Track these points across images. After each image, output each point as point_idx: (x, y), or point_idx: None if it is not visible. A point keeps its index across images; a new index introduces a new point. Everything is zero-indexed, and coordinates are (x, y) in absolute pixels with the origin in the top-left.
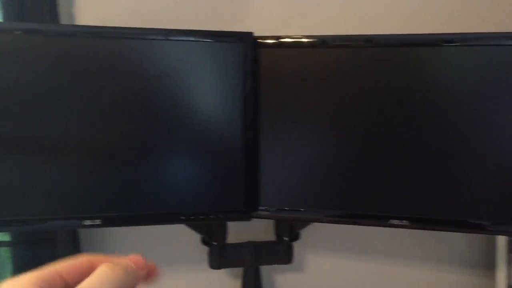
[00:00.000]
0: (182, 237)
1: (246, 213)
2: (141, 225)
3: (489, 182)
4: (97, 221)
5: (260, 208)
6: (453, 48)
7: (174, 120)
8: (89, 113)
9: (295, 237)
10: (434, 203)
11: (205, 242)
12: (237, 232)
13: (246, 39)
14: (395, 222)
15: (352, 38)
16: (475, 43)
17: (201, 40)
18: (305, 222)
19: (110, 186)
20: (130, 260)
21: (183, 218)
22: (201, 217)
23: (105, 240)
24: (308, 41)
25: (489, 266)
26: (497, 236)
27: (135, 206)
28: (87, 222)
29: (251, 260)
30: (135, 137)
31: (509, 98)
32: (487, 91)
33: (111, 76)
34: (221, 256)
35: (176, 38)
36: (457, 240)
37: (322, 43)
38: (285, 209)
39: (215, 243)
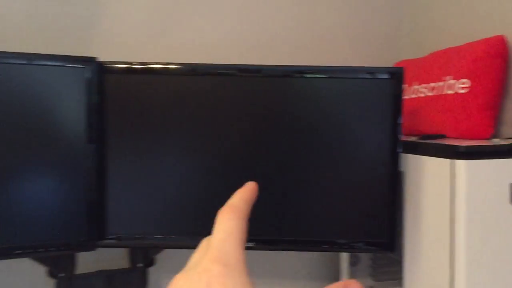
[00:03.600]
0: (24, 269)
1: (90, 243)
2: None
3: (337, 209)
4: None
5: (109, 236)
6: (303, 79)
7: None
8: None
9: (149, 263)
10: (284, 225)
11: (52, 274)
12: (88, 261)
13: (89, 64)
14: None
15: (201, 66)
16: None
17: (48, 64)
18: (159, 248)
19: None
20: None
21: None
22: (40, 250)
23: None
24: (154, 68)
25: (336, 278)
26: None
27: None
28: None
29: None
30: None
31: (361, 126)
32: (338, 119)
33: None
34: None
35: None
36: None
37: (169, 70)
38: (136, 237)
39: (62, 275)
